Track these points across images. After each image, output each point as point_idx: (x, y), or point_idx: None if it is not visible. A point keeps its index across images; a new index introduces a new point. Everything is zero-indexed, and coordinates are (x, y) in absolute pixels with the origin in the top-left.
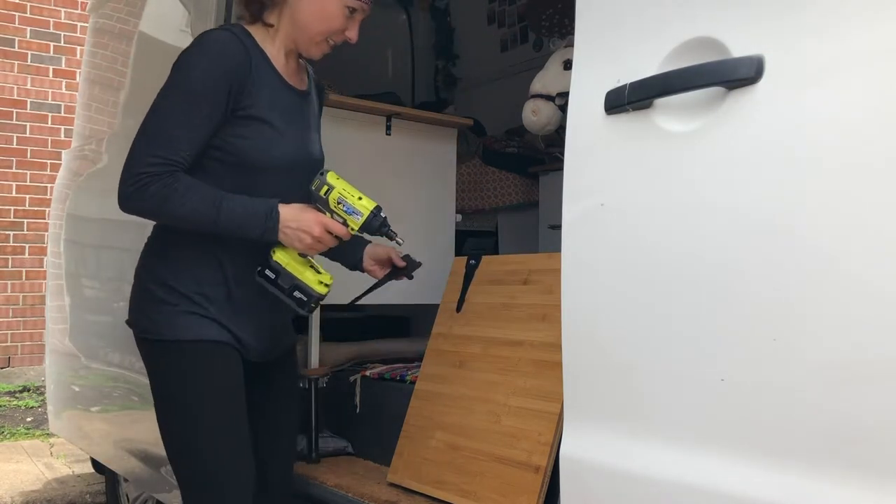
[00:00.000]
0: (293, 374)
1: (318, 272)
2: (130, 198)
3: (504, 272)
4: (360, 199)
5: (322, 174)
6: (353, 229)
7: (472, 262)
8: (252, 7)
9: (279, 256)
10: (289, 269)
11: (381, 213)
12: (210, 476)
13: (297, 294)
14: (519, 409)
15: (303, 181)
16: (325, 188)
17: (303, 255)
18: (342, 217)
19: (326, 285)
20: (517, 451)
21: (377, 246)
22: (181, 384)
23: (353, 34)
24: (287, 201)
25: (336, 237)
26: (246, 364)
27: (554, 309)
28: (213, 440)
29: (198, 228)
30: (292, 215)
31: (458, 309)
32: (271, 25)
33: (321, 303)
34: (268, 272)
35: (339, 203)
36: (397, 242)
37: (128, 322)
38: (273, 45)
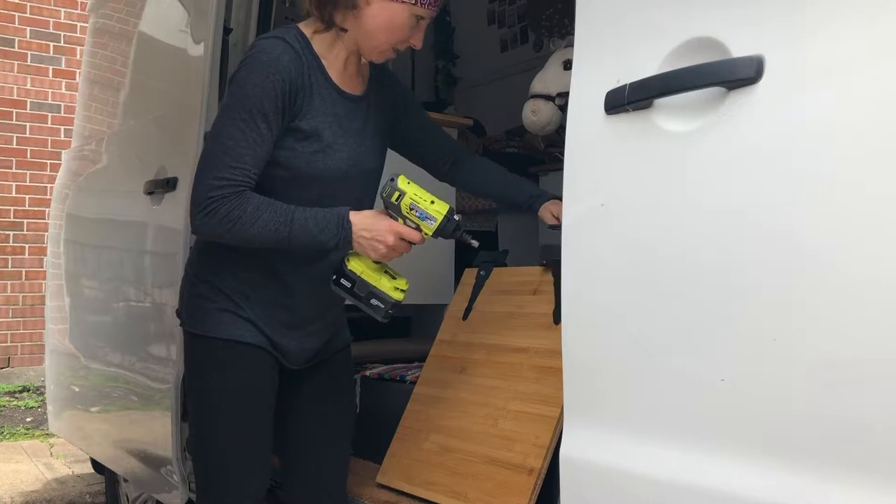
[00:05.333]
0: (348, 370)
1: (394, 277)
2: (202, 226)
3: (514, 283)
4: (432, 202)
5: (392, 179)
6: (427, 234)
7: (482, 273)
8: (324, 9)
9: (354, 265)
10: (364, 277)
11: (455, 217)
12: (217, 475)
13: (373, 301)
14: (518, 413)
15: (359, 187)
16: (397, 194)
17: (377, 262)
18: (415, 222)
19: (402, 290)
20: (512, 454)
21: (556, 204)
22: (206, 380)
23: (417, 42)
24: (343, 205)
25: (410, 243)
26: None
27: (548, 317)
28: (227, 440)
29: (271, 246)
30: (365, 224)
31: (465, 317)
32: (342, 29)
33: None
34: (343, 281)
35: (411, 209)
36: (472, 245)
37: (176, 312)
38: (332, 50)
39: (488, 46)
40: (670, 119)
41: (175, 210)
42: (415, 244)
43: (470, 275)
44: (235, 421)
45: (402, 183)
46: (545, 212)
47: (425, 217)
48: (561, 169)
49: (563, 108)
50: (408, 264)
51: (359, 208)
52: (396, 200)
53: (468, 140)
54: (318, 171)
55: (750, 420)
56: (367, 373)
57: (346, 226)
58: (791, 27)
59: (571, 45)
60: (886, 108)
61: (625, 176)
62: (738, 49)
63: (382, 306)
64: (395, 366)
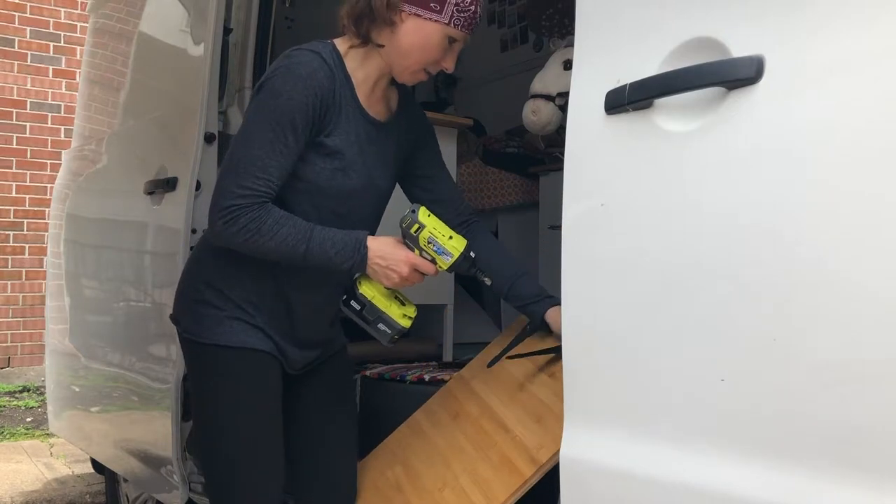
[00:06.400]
0: (347, 369)
1: (403, 304)
2: (221, 233)
3: (542, 356)
4: (450, 238)
5: (413, 211)
6: (441, 268)
7: (528, 327)
8: (361, 25)
9: (365, 289)
10: (375, 302)
11: (471, 254)
12: (230, 481)
13: (381, 326)
14: (462, 491)
15: (371, 206)
16: (416, 226)
17: (388, 288)
18: (431, 255)
19: (410, 318)
20: None
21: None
22: (214, 388)
23: (449, 64)
24: (356, 223)
25: (423, 274)
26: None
27: (552, 417)
28: (238, 449)
29: (287, 261)
30: (382, 251)
31: (489, 365)
32: (378, 45)
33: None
34: (353, 303)
35: (429, 242)
36: (485, 281)
37: (171, 317)
38: (363, 69)
39: (488, 46)
40: (670, 119)
41: (175, 210)
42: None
43: (518, 323)
44: (254, 430)
45: (422, 215)
46: (550, 318)
47: (442, 252)
48: (561, 169)
49: (563, 108)
50: None
51: (368, 226)
52: (415, 232)
53: (468, 140)
54: (336, 188)
55: (750, 420)
56: (367, 373)
57: (363, 250)
58: (791, 27)
59: (571, 45)
60: (887, 108)
61: (625, 176)
62: (738, 49)
63: (389, 332)
64: (395, 366)
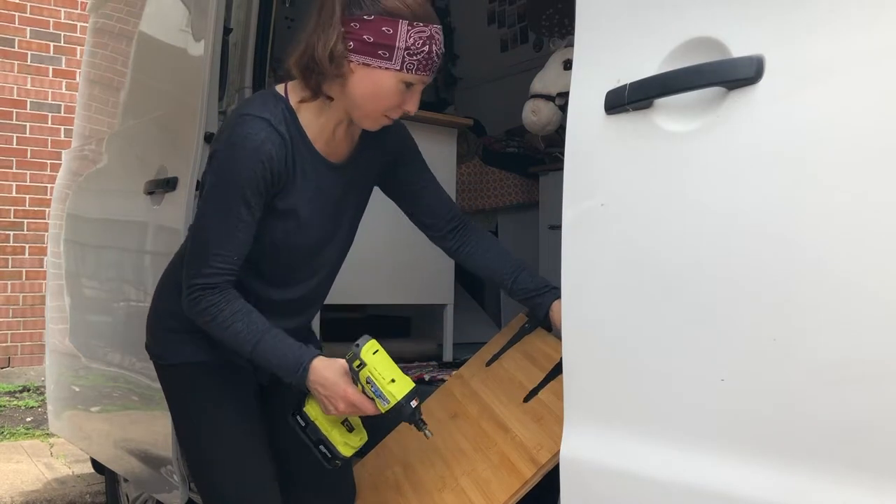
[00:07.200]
0: None
1: (350, 430)
2: (187, 310)
3: (542, 354)
4: (392, 381)
5: (358, 345)
6: (380, 410)
7: (527, 326)
8: (311, 81)
9: (310, 408)
10: (317, 423)
11: (412, 403)
12: (225, 490)
13: (322, 448)
14: (461, 491)
15: (329, 257)
16: (358, 362)
17: None
18: (370, 395)
19: (353, 448)
20: None
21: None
22: (193, 403)
23: (411, 107)
24: (323, 263)
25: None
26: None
27: (551, 416)
28: (227, 458)
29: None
30: (323, 379)
31: (488, 363)
32: (328, 98)
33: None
34: (298, 418)
35: (367, 382)
36: (426, 434)
37: (146, 346)
38: (319, 121)
39: (488, 46)
40: (670, 119)
41: (175, 210)
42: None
43: (517, 321)
44: (238, 437)
45: (365, 352)
46: (554, 312)
47: (380, 395)
48: (561, 169)
49: (563, 108)
50: (407, 262)
51: (326, 274)
52: (357, 367)
53: (468, 140)
54: (290, 246)
55: (749, 420)
56: None
57: (303, 373)
58: (791, 27)
59: (571, 45)
60: (886, 108)
61: (625, 176)
62: (738, 49)
63: (329, 456)
64: None
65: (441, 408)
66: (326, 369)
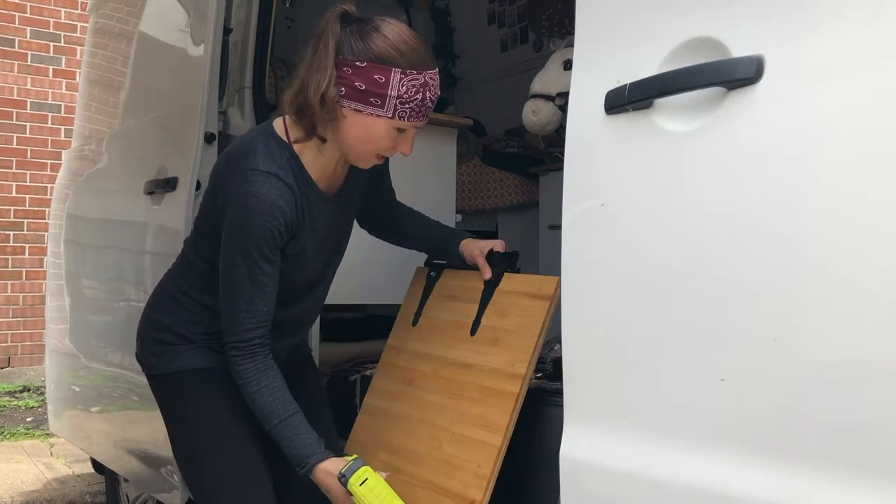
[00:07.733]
0: (315, 376)
1: None
2: (230, 363)
3: (462, 288)
4: None
5: (344, 476)
6: None
7: (433, 274)
8: (304, 118)
9: None
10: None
11: None
12: (220, 498)
13: None
14: (461, 437)
15: (330, 272)
16: (348, 489)
17: None
18: None
19: None
20: (454, 482)
21: (473, 242)
22: (185, 410)
23: (405, 148)
24: (313, 291)
25: None
26: None
27: (506, 334)
28: (222, 466)
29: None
30: (326, 486)
31: (414, 323)
32: (323, 139)
33: None
34: None
35: None
36: None
37: (136, 356)
38: (319, 161)
39: (488, 46)
40: (670, 119)
41: (175, 210)
42: None
43: (420, 274)
44: (234, 442)
45: (352, 484)
46: (466, 251)
47: None
48: (561, 169)
49: (563, 108)
50: (407, 262)
51: (323, 288)
52: (350, 492)
53: (468, 140)
54: (295, 280)
55: (750, 420)
56: (368, 373)
57: (308, 471)
58: (791, 27)
59: (571, 45)
60: (886, 108)
61: (625, 176)
62: (738, 49)
63: None
64: None
65: (392, 382)
66: (330, 478)
